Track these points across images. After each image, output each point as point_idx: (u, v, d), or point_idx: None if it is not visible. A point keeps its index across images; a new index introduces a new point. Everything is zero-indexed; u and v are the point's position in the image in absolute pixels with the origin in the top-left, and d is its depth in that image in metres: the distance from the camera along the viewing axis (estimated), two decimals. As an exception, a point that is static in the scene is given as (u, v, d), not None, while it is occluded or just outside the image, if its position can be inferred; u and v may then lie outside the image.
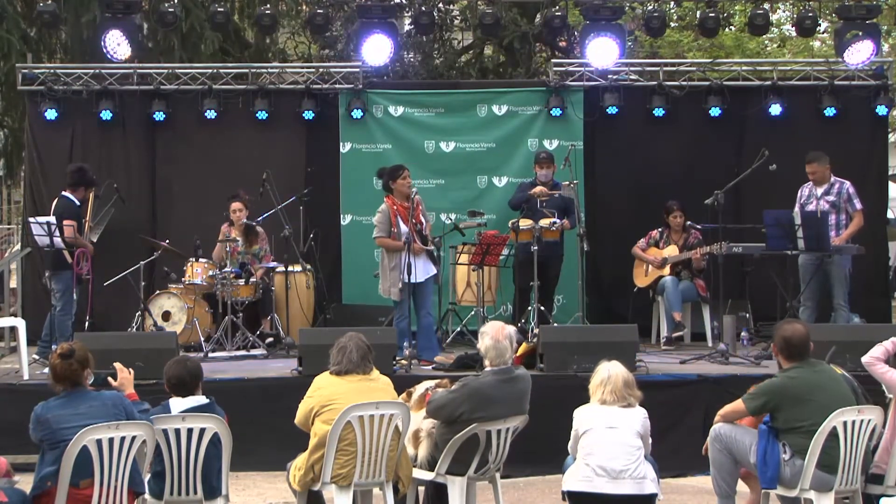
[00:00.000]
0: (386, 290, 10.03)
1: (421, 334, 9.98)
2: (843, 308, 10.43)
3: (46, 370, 8.33)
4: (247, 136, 12.15)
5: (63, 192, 10.42)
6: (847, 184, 10.58)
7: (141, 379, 7.81)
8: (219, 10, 11.13)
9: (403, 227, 9.82)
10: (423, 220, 10.12)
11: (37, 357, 9.75)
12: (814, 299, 10.48)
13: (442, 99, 12.39)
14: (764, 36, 16.94)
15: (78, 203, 10.31)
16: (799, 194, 10.75)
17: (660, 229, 11.31)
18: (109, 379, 6.17)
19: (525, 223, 10.73)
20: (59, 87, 11.93)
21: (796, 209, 10.51)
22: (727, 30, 18.39)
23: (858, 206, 10.52)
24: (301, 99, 12.08)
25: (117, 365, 6.31)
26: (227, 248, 11.00)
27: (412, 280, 9.70)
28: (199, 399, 6.11)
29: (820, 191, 10.60)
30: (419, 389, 6.85)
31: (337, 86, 12.22)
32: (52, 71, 12.28)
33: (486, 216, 11.44)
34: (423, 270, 9.95)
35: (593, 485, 6.08)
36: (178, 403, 6.06)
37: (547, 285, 10.87)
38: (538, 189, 10.91)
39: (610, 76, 12.28)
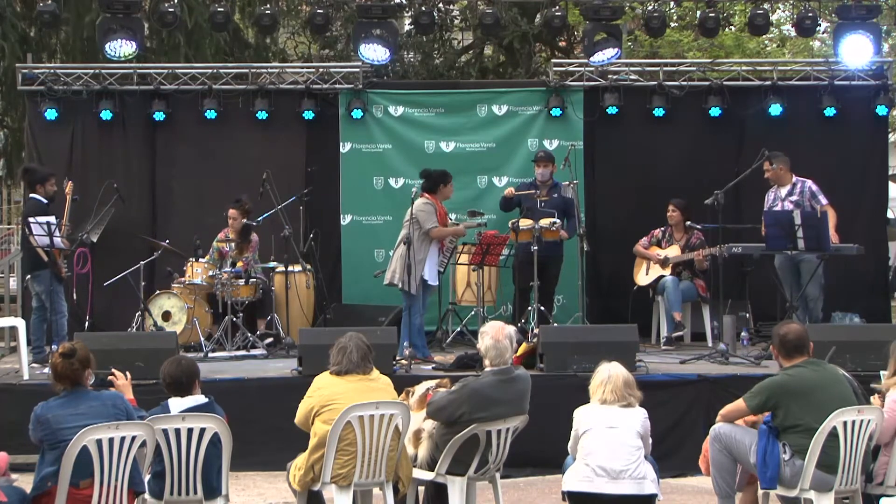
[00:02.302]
0: (402, 280, 9.84)
1: (417, 334, 10.01)
2: (816, 302, 10.42)
3: (47, 370, 8.34)
4: (247, 136, 12.15)
5: (29, 195, 10.42)
6: (808, 182, 10.62)
7: (141, 379, 7.85)
8: (219, 9, 11.12)
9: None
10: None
11: (35, 365, 9.72)
12: (803, 299, 10.48)
13: (442, 99, 12.39)
14: (764, 36, 16.94)
15: (46, 201, 10.27)
16: (766, 198, 10.78)
17: (662, 228, 11.31)
18: (111, 383, 6.17)
19: (525, 223, 10.73)
20: (59, 87, 11.92)
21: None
22: (727, 30, 18.38)
23: (824, 201, 10.54)
24: (301, 99, 12.08)
25: (115, 371, 6.30)
26: (216, 248, 11.00)
27: (429, 280, 9.91)
28: (199, 398, 6.11)
29: (783, 192, 10.65)
30: (420, 389, 6.85)
31: (337, 86, 12.22)
32: (51, 71, 12.28)
33: (486, 216, 11.43)
34: (433, 275, 10.07)
35: (593, 485, 6.08)
36: (176, 403, 6.06)
37: (547, 285, 10.88)
38: (509, 190, 11.17)
39: (610, 76, 12.29)
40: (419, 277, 9.87)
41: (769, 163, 10.53)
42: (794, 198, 10.57)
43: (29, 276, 10.28)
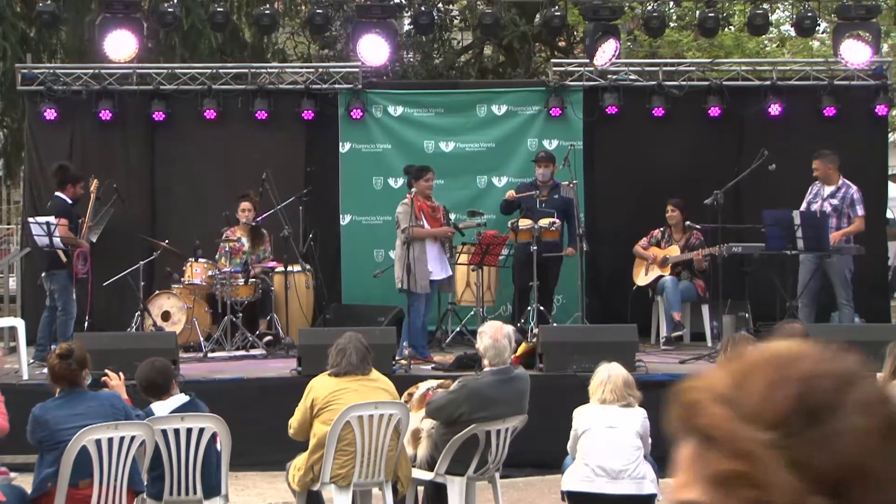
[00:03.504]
0: (406, 281, 9.78)
1: (418, 334, 10.01)
2: (846, 307, 10.40)
3: (45, 370, 8.33)
4: (246, 136, 12.15)
5: (55, 193, 10.45)
6: (853, 188, 10.54)
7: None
8: (218, 10, 11.12)
9: (427, 225, 9.89)
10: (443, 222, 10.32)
11: (33, 360, 9.72)
12: (812, 298, 10.46)
13: (441, 99, 12.39)
14: (763, 36, 16.94)
15: (70, 202, 10.29)
16: (808, 190, 10.74)
17: (661, 229, 11.32)
18: (105, 384, 6.17)
19: (524, 223, 10.73)
20: (59, 87, 11.91)
21: (802, 207, 10.55)
22: (726, 30, 18.37)
23: (861, 212, 10.48)
24: (300, 99, 12.07)
25: (109, 372, 6.29)
26: (228, 248, 11.00)
27: (432, 278, 9.86)
28: (181, 398, 6.10)
29: (826, 191, 10.57)
30: (420, 389, 6.85)
31: (336, 86, 12.22)
32: (51, 71, 12.28)
33: (486, 216, 11.42)
34: (437, 270, 10.09)
35: (593, 485, 6.08)
36: (160, 407, 6.03)
37: (546, 285, 10.88)
38: (510, 193, 11.18)
39: (609, 76, 12.29)
40: (426, 277, 9.90)
41: (818, 160, 10.45)
42: (835, 201, 10.48)
43: (44, 274, 10.27)
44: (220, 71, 12.34)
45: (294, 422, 6.40)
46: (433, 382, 6.93)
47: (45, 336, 10.08)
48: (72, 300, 10.11)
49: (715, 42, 17.42)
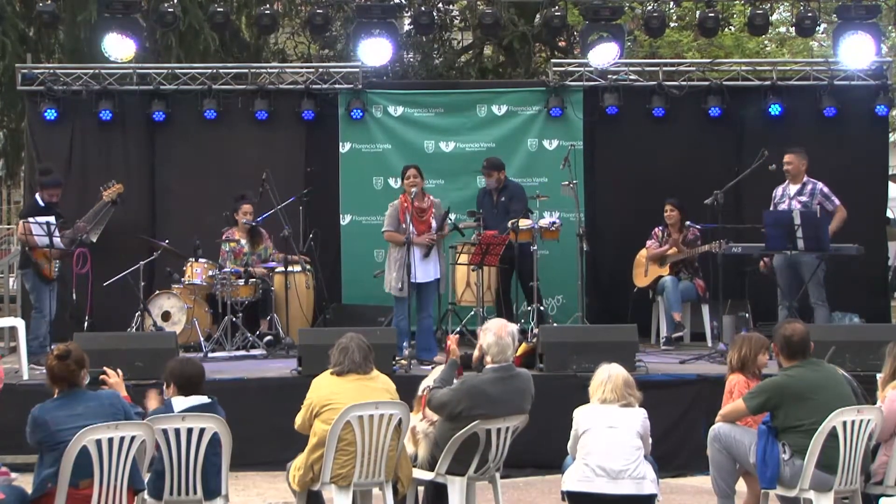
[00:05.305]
0: (389, 284, 10.08)
1: (419, 335, 10.00)
2: (820, 306, 10.32)
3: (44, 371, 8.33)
4: (246, 136, 12.15)
5: (35, 193, 10.58)
6: (819, 184, 10.50)
7: (141, 379, 7.85)
8: (218, 10, 11.13)
9: (412, 227, 9.87)
10: (432, 222, 10.14)
11: (34, 367, 9.70)
12: (791, 298, 10.40)
13: (441, 99, 12.39)
14: (763, 36, 16.94)
15: (43, 204, 10.30)
16: (773, 194, 10.68)
17: (661, 227, 11.32)
18: (103, 382, 6.17)
19: (525, 223, 10.71)
20: (59, 88, 11.92)
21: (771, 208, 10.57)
22: (726, 30, 18.39)
23: (837, 202, 10.42)
24: (301, 99, 12.08)
25: (107, 370, 6.29)
26: (228, 249, 11.00)
27: (413, 280, 9.74)
28: (202, 399, 6.10)
29: (793, 190, 10.52)
30: (418, 392, 6.84)
31: (336, 86, 12.22)
32: (51, 71, 12.28)
33: (486, 216, 11.41)
34: (423, 272, 9.96)
35: (593, 485, 6.08)
36: (180, 402, 6.05)
37: (523, 283, 10.84)
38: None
39: (609, 76, 12.29)
40: (400, 282, 9.87)
41: (791, 154, 10.43)
42: (803, 198, 10.45)
43: (21, 272, 10.35)
44: (220, 71, 12.34)
45: (298, 419, 6.41)
46: (430, 381, 6.89)
47: (35, 339, 10.05)
48: (44, 298, 10.07)
49: (715, 42, 17.42)
